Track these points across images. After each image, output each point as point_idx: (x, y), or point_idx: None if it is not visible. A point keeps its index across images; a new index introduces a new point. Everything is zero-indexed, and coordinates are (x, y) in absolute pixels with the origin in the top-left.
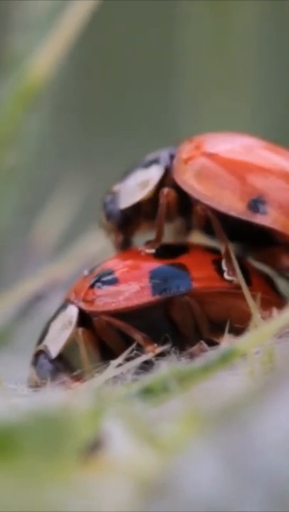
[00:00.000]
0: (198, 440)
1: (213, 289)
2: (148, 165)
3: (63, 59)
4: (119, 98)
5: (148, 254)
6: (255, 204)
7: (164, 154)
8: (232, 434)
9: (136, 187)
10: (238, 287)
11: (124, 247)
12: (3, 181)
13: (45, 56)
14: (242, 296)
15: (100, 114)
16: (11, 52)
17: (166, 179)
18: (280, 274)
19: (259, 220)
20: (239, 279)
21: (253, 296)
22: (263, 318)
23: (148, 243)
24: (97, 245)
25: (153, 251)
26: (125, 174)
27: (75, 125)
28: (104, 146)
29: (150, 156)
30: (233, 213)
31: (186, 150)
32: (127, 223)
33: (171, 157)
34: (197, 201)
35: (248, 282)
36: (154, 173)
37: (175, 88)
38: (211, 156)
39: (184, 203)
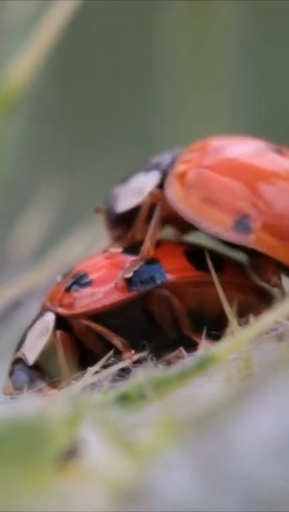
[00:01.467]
0: (173, 447)
1: (188, 279)
2: (148, 170)
3: (42, 64)
4: (98, 103)
5: (119, 253)
6: (240, 224)
7: (165, 159)
8: (208, 441)
9: (133, 193)
10: (211, 275)
11: (121, 242)
12: None
13: (23, 62)
14: (216, 285)
15: (79, 119)
16: None
17: (161, 188)
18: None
19: (243, 240)
20: (209, 266)
21: (227, 284)
22: (240, 322)
23: (116, 242)
24: (76, 251)
25: (120, 249)
26: (127, 177)
27: (53, 131)
28: (82, 151)
29: (154, 160)
30: (218, 233)
31: (178, 165)
32: (123, 225)
33: (172, 163)
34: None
35: (220, 269)
36: (150, 181)
37: (154, 93)
38: (201, 174)
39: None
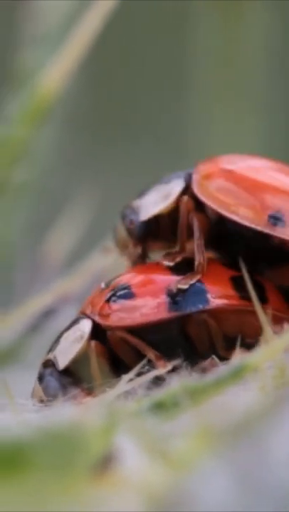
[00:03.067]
0: (209, 456)
1: (230, 307)
2: (168, 182)
3: (74, 72)
4: (130, 111)
5: (165, 269)
6: (274, 217)
7: (183, 173)
8: (244, 449)
9: (157, 199)
10: (254, 305)
11: (141, 260)
12: (13, 197)
13: (56, 70)
14: (258, 313)
15: (110, 128)
16: (21, 66)
17: (187, 194)
18: None
19: (278, 233)
20: (251, 295)
21: (270, 315)
22: (276, 331)
23: (168, 255)
24: (107, 260)
25: (172, 264)
26: (144, 191)
27: (84, 139)
28: (114, 160)
29: (169, 175)
30: (252, 227)
31: (206, 167)
32: (146, 236)
33: (191, 174)
34: (215, 215)
35: (264, 300)
36: (175, 186)
37: (185, 101)
38: (230, 172)
39: (202, 219)
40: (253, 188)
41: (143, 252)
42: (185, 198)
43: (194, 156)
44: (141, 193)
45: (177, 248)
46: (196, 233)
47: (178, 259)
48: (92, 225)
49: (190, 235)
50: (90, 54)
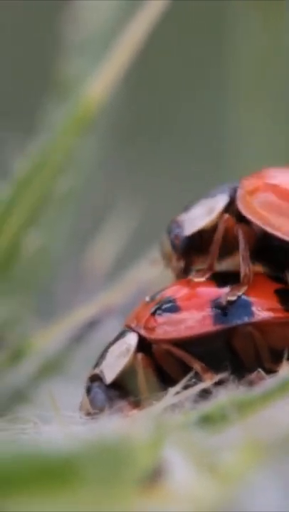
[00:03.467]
0: (258, 469)
1: (276, 320)
2: (212, 196)
3: (118, 82)
4: (171, 122)
5: (210, 283)
6: None
7: (227, 187)
8: None
9: (201, 214)
10: None
11: (185, 274)
12: (57, 207)
13: (100, 80)
14: None
15: (153, 138)
16: (65, 76)
17: (231, 209)
18: None
19: None
20: None
21: None
22: None
23: (199, 271)
24: (151, 272)
25: (203, 279)
26: (189, 205)
27: (127, 149)
28: (156, 170)
29: (214, 189)
30: None
31: (251, 182)
32: (190, 250)
33: (235, 189)
34: (256, 231)
35: None
36: (220, 201)
37: (226, 112)
38: (274, 187)
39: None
40: None
41: (186, 266)
42: (225, 215)
43: (234, 166)
44: (186, 208)
45: (207, 264)
46: (242, 245)
47: (208, 274)
48: (135, 235)
49: (226, 250)
50: (133, 63)
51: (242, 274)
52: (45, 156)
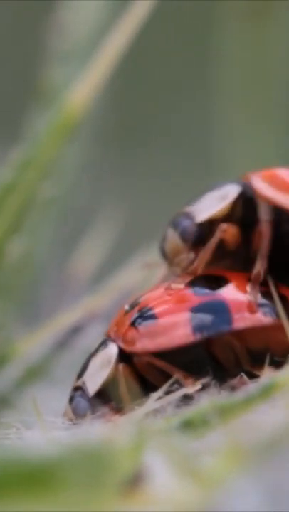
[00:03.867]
0: (240, 474)
1: (256, 325)
2: (221, 187)
3: (101, 88)
4: (155, 127)
5: (188, 289)
6: None
7: (234, 180)
8: (274, 467)
9: (212, 202)
10: (281, 321)
11: (194, 267)
12: (41, 213)
13: (83, 86)
14: (284, 329)
15: (136, 143)
16: (48, 83)
17: (244, 197)
18: None
19: None
20: (279, 312)
21: None
22: None
23: (179, 277)
24: (136, 276)
25: (182, 285)
26: (193, 199)
27: (111, 155)
28: (141, 175)
29: (220, 183)
30: None
31: (262, 171)
32: (201, 240)
33: (245, 182)
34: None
35: None
36: (232, 189)
37: (212, 115)
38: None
39: (251, 228)
40: None
41: (196, 257)
42: (223, 225)
43: (222, 169)
44: (191, 201)
45: (192, 269)
46: (265, 242)
47: (191, 277)
48: (119, 240)
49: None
50: (115, 69)
51: (255, 271)
52: (29, 161)
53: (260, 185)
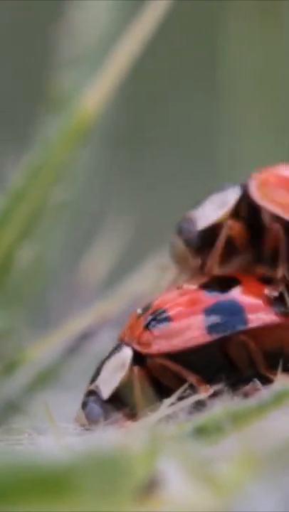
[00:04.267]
0: (254, 480)
1: (269, 325)
2: (223, 191)
3: (113, 93)
4: (165, 131)
5: (200, 290)
6: None
7: (236, 183)
8: (287, 474)
9: (214, 207)
10: None
11: (201, 271)
12: (52, 218)
13: (95, 91)
14: None
15: (147, 148)
16: (60, 88)
17: (243, 201)
18: None
19: None
20: None
21: None
22: None
23: (193, 278)
24: (147, 281)
25: (195, 286)
26: (198, 203)
27: (122, 159)
28: (152, 180)
29: (222, 186)
30: None
31: (262, 175)
32: (205, 246)
33: (245, 184)
34: (273, 219)
35: None
36: (232, 194)
37: (221, 119)
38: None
39: (259, 229)
40: None
41: (203, 262)
42: (229, 221)
43: (231, 171)
44: (195, 205)
45: (206, 269)
46: (282, 243)
47: (206, 278)
48: (130, 245)
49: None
50: (127, 73)
51: (280, 272)
52: (40, 167)
53: (256, 192)
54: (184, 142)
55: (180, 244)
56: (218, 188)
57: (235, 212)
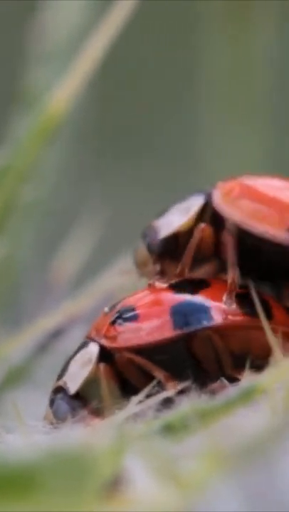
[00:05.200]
0: (220, 478)
1: (235, 323)
2: (187, 199)
3: (82, 91)
4: (135, 129)
5: (169, 290)
6: None
7: (202, 191)
8: (254, 471)
9: (176, 218)
10: (260, 321)
11: (162, 278)
12: (21, 216)
13: (64, 89)
14: (264, 330)
15: (117, 146)
16: (29, 86)
17: (207, 211)
18: None
19: None
20: (258, 311)
21: (275, 330)
22: (285, 352)
23: (163, 277)
24: (117, 280)
25: (169, 284)
26: (164, 210)
27: (92, 158)
28: (122, 178)
29: (188, 194)
30: (273, 237)
31: (227, 184)
32: (166, 254)
33: (211, 191)
34: (233, 230)
35: (269, 316)
36: (194, 203)
37: (192, 117)
38: (252, 186)
39: (219, 238)
40: (272, 202)
41: (163, 269)
42: (201, 224)
43: (202, 172)
44: (161, 212)
45: (178, 271)
46: (230, 250)
47: (177, 279)
48: (101, 244)
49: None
50: (95, 72)
51: (229, 280)
52: (10, 165)
53: (219, 201)
54: (157, 141)
55: (143, 250)
56: (183, 198)
57: (199, 221)
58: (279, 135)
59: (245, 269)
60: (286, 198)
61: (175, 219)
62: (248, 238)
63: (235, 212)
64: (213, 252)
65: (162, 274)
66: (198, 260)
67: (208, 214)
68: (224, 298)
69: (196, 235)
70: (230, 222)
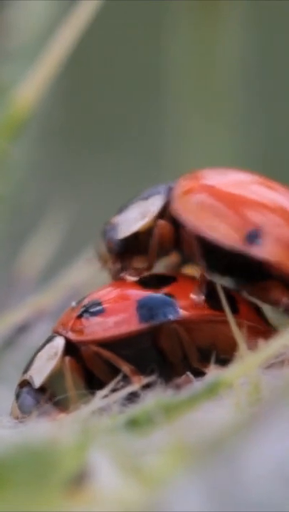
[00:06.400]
0: (183, 472)
1: (200, 317)
2: (147, 197)
3: (48, 86)
4: (104, 124)
5: (135, 284)
6: (252, 236)
7: (163, 187)
8: (218, 466)
9: (135, 217)
10: (225, 315)
11: (122, 276)
12: None
13: (30, 84)
14: (229, 324)
15: (85, 140)
16: None
17: (165, 211)
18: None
19: (255, 251)
20: (224, 305)
21: (240, 325)
22: (250, 347)
23: (133, 271)
24: (84, 275)
25: (136, 279)
26: (124, 206)
27: (59, 152)
28: (89, 173)
29: (149, 190)
30: (229, 245)
31: (185, 183)
32: (125, 253)
33: (170, 190)
34: (191, 233)
35: (235, 310)
36: (153, 205)
37: (161, 112)
38: (210, 188)
39: (180, 235)
40: (231, 206)
41: (123, 268)
42: (160, 221)
43: (171, 166)
44: (121, 209)
45: (145, 266)
46: (153, 246)
47: (145, 274)
48: (67, 238)
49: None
50: (63, 66)
51: (147, 261)
52: None
53: (177, 206)
54: (124, 136)
55: (102, 248)
56: (143, 194)
57: (158, 218)
58: (245, 130)
59: (209, 264)
60: (246, 203)
61: (133, 220)
62: (205, 241)
63: (191, 218)
64: (175, 246)
65: (123, 272)
66: (160, 255)
67: (168, 211)
68: (193, 290)
69: (157, 232)
70: (188, 227)
